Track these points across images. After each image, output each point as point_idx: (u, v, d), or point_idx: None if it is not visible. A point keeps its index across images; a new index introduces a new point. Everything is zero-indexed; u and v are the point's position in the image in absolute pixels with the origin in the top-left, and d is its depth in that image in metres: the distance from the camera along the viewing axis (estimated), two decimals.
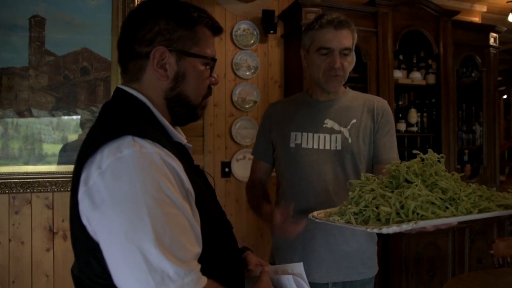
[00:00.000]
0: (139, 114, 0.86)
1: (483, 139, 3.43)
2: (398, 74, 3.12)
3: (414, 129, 3.19)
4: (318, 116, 1.54)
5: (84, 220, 0.76)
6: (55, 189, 2.06)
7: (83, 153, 0.80)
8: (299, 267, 1.03)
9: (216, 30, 0.96)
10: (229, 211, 2.97)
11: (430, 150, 1.09)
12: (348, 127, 1.50)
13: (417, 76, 3.19)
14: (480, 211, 0.99)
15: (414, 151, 1.15)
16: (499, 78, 3.59)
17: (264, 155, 1.64)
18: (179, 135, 0.93)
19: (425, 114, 3.25)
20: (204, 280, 0.76)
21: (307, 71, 1.60)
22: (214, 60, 0.96)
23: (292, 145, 1.53)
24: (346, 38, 1.46)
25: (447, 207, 0.98)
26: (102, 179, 0.73)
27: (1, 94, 2.03)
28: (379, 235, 1.39)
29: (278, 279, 0.99)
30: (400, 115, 3.15)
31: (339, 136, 1.50)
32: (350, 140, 1.49)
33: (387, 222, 0.94)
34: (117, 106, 0.88)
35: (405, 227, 0.91)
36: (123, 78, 0.93)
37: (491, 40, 3.40)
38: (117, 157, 0.74)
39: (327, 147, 1.50)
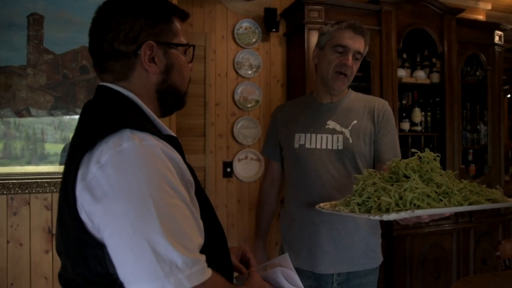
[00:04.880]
0: (129, 109, 0.86)
1: (488, 139, 3.40)
2: (402, 72, 3.08)
3: (418, 128, 3.15)
4: (321, 118, 1.63)
5: (84, 216, 0.75)
6: (54, 190, 2.04)
7: (76, 150, 0.78)
8: (284, 258, 1.09)
9: (184, 17, 0.98)
10: (231, 211, 2.94)
11: (427, 150, 1.21)
12: (349, 128, 1.60)
13: (421, 75, 3.15)
14: (470, 204, 1.10)
15: (413, 150, 1.28)
16: (504, 77, 3.54)
17: (274, 155, 1.78)
18: (168, 128, 0.94)
19: (429, 113, 3.22)
20: (209, 271, 0.75)
21: (316, 68, 1.69)
22: (193, 46, 0.98)
23: (296, 145, 1.64)
24: (362, 44, 1.58)
25: (441, 200, 1.08)
26: (103, 172, 0.73)
27: None
28: (383, 235, 1.59)
29: (266, 275, 1.03)
30: (404, 114, 3.11)
31: (340, 137, 1.59)
32: (351, 141, 1.58)
33: (387, 212, 1.06)
34: (105, 103, 0.87)
35: (403, 214, 1.02)
36: (104, 78, 0.91)
37: (496, 38, 3.37)
38: (117, 150, 0.73)
39: (329, 147, 1.59)
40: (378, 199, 1.09)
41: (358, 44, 1.56)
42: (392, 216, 1.02)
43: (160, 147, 0.77)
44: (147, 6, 0.90)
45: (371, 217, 1.06)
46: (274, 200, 1.83)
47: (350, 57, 1.54)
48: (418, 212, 1.03)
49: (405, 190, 1.07)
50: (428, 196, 1.07)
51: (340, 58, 1.55)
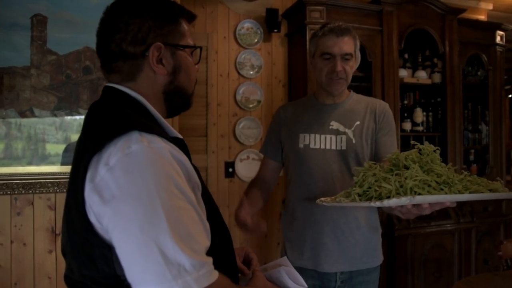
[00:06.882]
0: (136, 111, 0.86)
1: (489, 139, 3.41)
2: (403, 73, 3.09)
3: (420, 128, 3.16)
4: (325, 118, 1.65)
5: (92, 218, 0.75)
6: (58, 190, 2.04)
7: (84, 152, 0.78)
8: (284, 260, 1.11)
9: (191, 18, 0.99)
10: (233, 211, 2.93)
11: (426, 142, 1.20)
12: (352, 129, 1.62)
13: (422, 75, 3.16)
14: (470, 193, 1.09)
15: (413, 142, 1.26)
16: (505, 77, 3.54)
17: (273, 154, 1.76)
18: (174, 130, 0.94)
19: (430, 114, 3.22)
20: (216, 273, 0.75)
21: (313, 75, 1.70)
22: (201, 48, 0.99)
23: (301, 145, 1.64)
24: (347, 44, 1.57)
25: (441, 189, 1.07)
26: (111, 174, 0.73)
27: (2, 94, 2.01)
28: (385, 235, 1.52)
29: (270, 275, 1.04)
30: (406, 115, 3.12)
31: (344, 137, 1.61)
32: (354, 141, 1.60)
33: (388, 199, 1.04)
34: (112, 104, 0.87)
35: (404, 200, 1.01)
36: (111, 78, 0.92)
37: (498, 38, 3.37)
38: (125, 152, 0.73)
39: (333, 147, 1.61)
40: (379, 188, 1.08)
41: (343, 46, 1.55)
42: (393, 202, 1.01)
43: (168, 149, 0.77)
44: (155, 7, 0.90)
45: (372, 204, 1.05)
46: (260, 195, 1.67)
47: (338, 62, 1.55)
48: (419, 198, 1.02)
49: (405, 178, 1.06)
50: (429, 185, 1.06)
51: (329, 65, 1.57)
